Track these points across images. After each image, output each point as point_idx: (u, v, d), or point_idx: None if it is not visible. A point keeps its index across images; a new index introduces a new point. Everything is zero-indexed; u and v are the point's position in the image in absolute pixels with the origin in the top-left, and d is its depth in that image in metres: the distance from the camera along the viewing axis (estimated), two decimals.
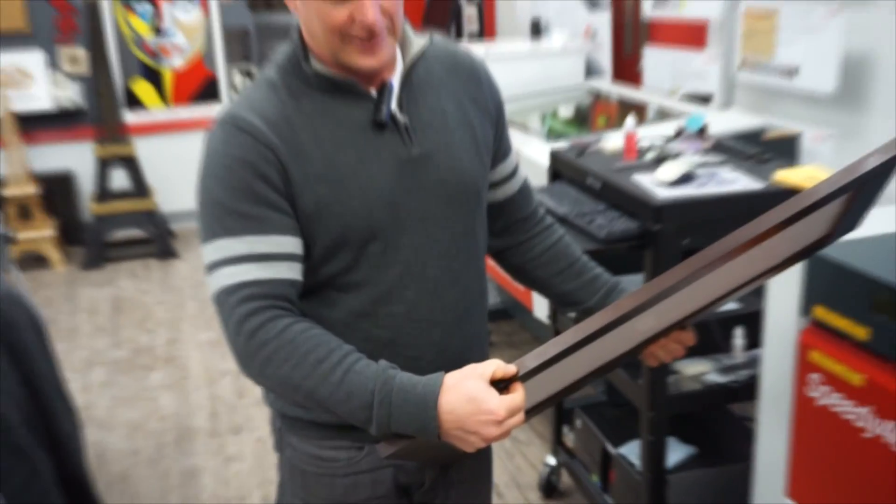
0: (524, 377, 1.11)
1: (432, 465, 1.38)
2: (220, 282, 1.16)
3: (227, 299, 1.16)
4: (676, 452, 2.38)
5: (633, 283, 2.30)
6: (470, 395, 1.09)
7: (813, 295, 1.64)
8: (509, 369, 1.12)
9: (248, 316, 1.14)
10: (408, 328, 1.25)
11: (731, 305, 2.37)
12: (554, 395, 1.22)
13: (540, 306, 3.00)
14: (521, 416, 1.11)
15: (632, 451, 2.41)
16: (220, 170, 1.16)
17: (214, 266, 1.17)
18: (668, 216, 2.04)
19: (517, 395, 1.11)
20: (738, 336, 2.30)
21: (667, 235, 2.04)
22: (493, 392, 1.10)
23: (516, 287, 3.17)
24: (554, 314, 2.64)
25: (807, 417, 1.70)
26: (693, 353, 2.29)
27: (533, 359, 1.11)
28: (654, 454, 2.23)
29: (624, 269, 2.45)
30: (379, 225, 1.20)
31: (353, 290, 1.23)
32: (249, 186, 1.15)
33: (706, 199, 2.08)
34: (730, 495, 2.33)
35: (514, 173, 1.42)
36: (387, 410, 1.11)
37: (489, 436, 1.09)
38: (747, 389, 2.19)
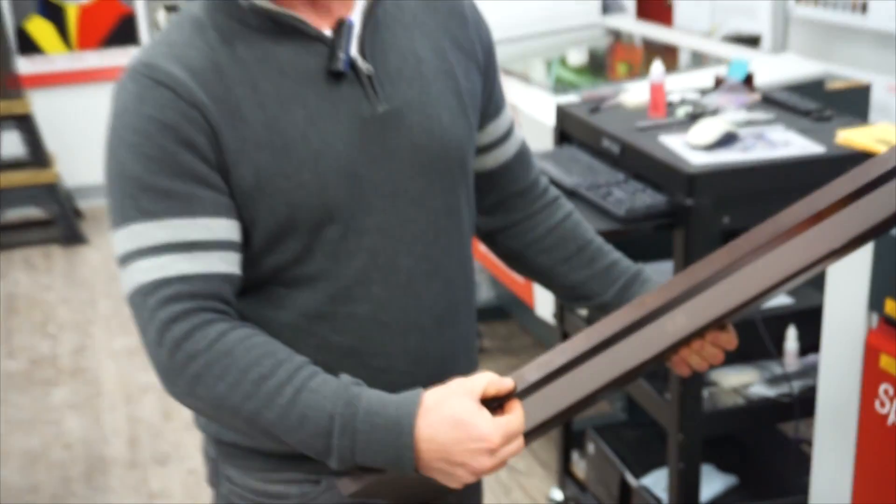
0: (523, 393, 1.12)
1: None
2: (136, 278, 1.15)
3: (145, 301, 1.15)
4: (713, 484, 2.40)
5: (659, 272, 2.29)
6: (455, 417, 1.09)
7: (884, 286, 1.65)
8: (504, 384, 1.12)
9: (171, 321, 1.14)
10: (375, 333, 1.25)
11: (781, 300, 2.38)
12: (560, 413, 1.21)
13: (543, 303, 3.00)
14: (519, 443, 1.11)
15: (657, 483, 2.42)
16: (132, 135, 1.14)
17: (128, 258, 1.16)
18: (703, 188, 2.04)
19: (514, 417, 1.11)
20: (791, 338, 2.32)
21: (702, 212, 2.05)
22: (485, 413, 1.10)
23: (514, 279, 3.18)
24: (561, 312, 2.65)
25: (876, 439, 1.71)
26: (734, 359, 2.32)
27: (534, 370, 1.12)
28: (686, 486, 2.24)
29: (648, 255, 2.47)
30: (336, 203, 1.19)
31: (305, 285, 1.23)
32: (171, 156, 1.14)
33: (751, 166, 2.09)
34: None
35: (508, 135, 1.42)
36: (350, 439, 1.11)
37: (480, 468, 1.10)
38: (802, 405, 2.21)
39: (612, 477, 2.56)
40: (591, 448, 2.69)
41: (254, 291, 1.24)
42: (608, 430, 2.73)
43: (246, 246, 1.20)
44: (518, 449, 1.11)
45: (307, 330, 1.24)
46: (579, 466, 2.81)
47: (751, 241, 1.09)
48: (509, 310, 4.07)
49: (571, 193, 2.22)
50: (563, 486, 2.86)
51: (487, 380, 1.12)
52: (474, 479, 1.11)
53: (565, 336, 2.70)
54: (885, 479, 1.70)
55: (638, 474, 2.49)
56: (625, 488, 2.51)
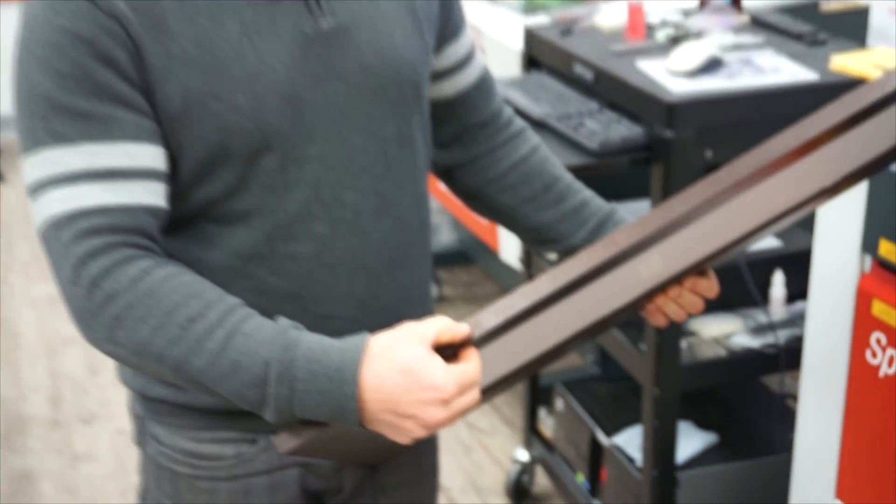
0: (480, 341, 1.11)
1: (354, 465, 1.38)
2: (49, 210, 1.14)
3: (59, 234, 1.13)
4: (691, 442, 2.43)
5: (635, 212, 2.30)
6: (404, 364, 1.09)
7: (879, 225, 1.66)
8: (459, 330, 1.11)
9: (88, 257, 1.12)
10: (317, 276, 1.25)
11: (768, 242, 2.40)
12: (521, 367, 1.22)
13: (509, 246, 3.01)
14: (475, 394, 1.12)
15: (631, 442, 2.45)
16: (42, 49, 1.12)
17: (39, 187, 1.14)
18: (685, 118, 2.04)
19: (470, 365, 1.11)
20: (778, 284, 2.34)
21: (683, 145, 2.05)
22: (437, 360, 1.10)
23: (477, 220, 3.18)
24: (528, 257, 2.65)
25: (866, 393, 1.73)
26: (715, 307, 2.34)
27: (493, 315, 1.11)
28: (661, 445, 2.26)
29: (623, 194, 2.48)
30: (274, 129, 1.18)
31: (239, 222, 1.22)
32: (86, 73, 1.11)
33: (738, 94, 2.08)
34: (759, 496, 2.38)
35: (468, 60, 1.41)
36: (287, 388, 1.11)
37: (432, 420, 1.10)
38: (788, 356, 2.23)
39: (581, 435, 2.58)
40: (559, 404, 2.71)
41: (181, 228, 1.23)
42: (578, 384, 2.76)
43: (173, 177, 1.19)
44: (473, 401, 1.11)
45: (242, 272, 1.23)
46: (547, 424, 2.84)
47: (733, 174, 1.08)
48: (472, 254, 4.09)
49: (540, 125, 2.21)
50: (528, 446, 2.89)
51: (441, 325, 1.11)
52: (426, 433, 1.11)
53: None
54: (876, 436, 1.72)
55: (610, 432, 2.51)
56: (596, 448, 2.53)
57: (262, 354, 1.11)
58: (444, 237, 4.17)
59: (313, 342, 1.12)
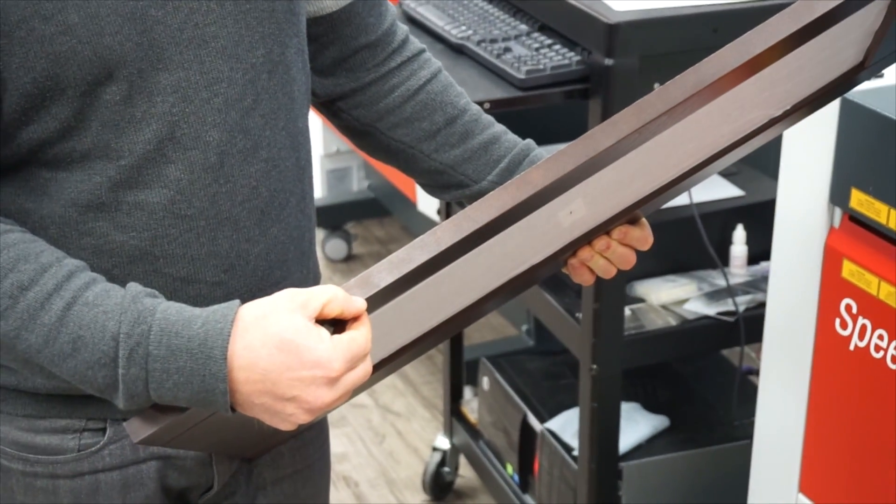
0: (372, 302, 1.09)
1: (225, 457, 1.38)
2: None
3: None
4: (637, 427, 2.45)
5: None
6: (283, 337, 1.08)
7: (849, 174, 1.67)
8: (353, 305, 1.10)
9: None
10: (173, 230, 1.24)
11: (726, 192, 2.41)
12: (422, 335, 1.22)
13: (429, 196, 2.99)
14: (366, 367, 1.10)
15: (567, 427, 2.47)
16: None
17: None
18: (629, 43, 2.04)
19: (359, 334, 1.10)
20: (738, 241, 2.35)
21: (626, 75, 2.05)
22: (322, 332, 1.09)
23: None
24: (448, 207, 2.64)
25: (834, 368, 1.75)
26: (666, 268, 2.35)
27: (385, 272, 1.09)
28: (602, 430, 2.28)
29: (555, 135, 2.47)
30: (117, 54, 1.16)
31: (76, 166, 1.20)
32: None
33: (691, 15, 2.08)
34: (716, 489, 2.41)
35: None
36: (141, 368, 1.09)
37: (317, 403, 1.09)
38: (749, 325, 2.25)
39: (511, 419, 2.60)
40: (485, 383, 2.72)
41: (5, 175, 1.21)
42: (508, 359, 2.77)
43: None
44: (364, 375, 1.10)
45: (80, 226, 1.22)
46: (471, 406, 2.85)
47: (665, 99, 1.07)
48: (386, 205, 4.08)
49: (456, 50, 2.21)
50: (450, 432, 2.90)
51: (329, 295, 1.10)
52: (310, 417, 1.10)
53: None
54: (844, 418, 1.74)
55: (544, 416, 2.53)
56: (527, 433, 2.55)
57: (108, 328, 1.10)
58: (353, 184, 4.15)
59: (171, 312, 1.11)
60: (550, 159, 1.09)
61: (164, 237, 1.24)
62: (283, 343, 1.08)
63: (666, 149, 1.15)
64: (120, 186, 1.21)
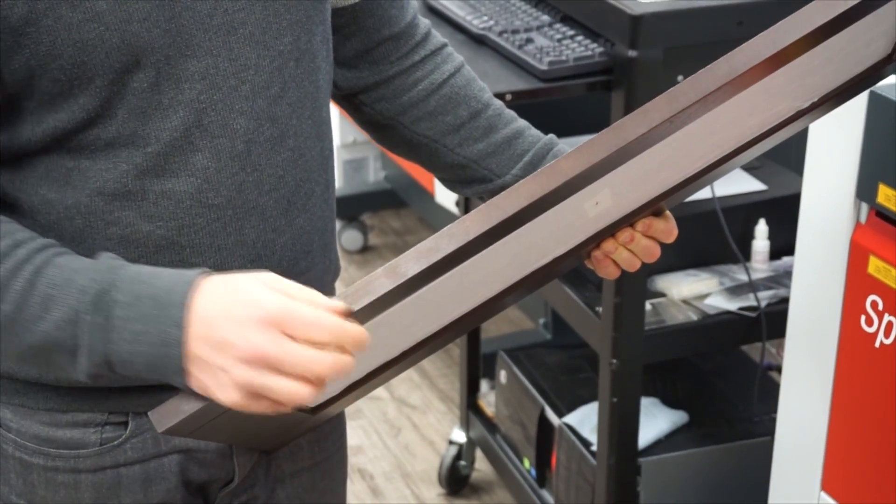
0: (398, 293, 1.08)
1: (245, 449, 1.38)
2: None
3: None
4: (657, 422, 2.45)
5: None
6: (236, 287, 1.07)
7: (877, 169, 1.67)
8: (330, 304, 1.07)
9: None
10: (199, 219, 1.24)
11: (749, 186, 2.40)
12: (445, 328, 1.22)
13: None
14: (339, 358, 1.06)
15: (586, 422, 2.46)
16: None
17: None
18: (652, 35, 2.03)
19: (334, 317, 1.07)
20: (761, 236, 2.35)
21: (650, 67, 2.04)
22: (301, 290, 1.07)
23: None
24: (468, 200, 2.63)
25: (860, 365, 1.74)
26: (687, 262, 2.35)
27: (413, 261, 1.08)
28: (621, 425, 2.27)
29: (577, 127, 2.47)
30: (145, 41, 1.16)
31: (101, 154, 1.20)
32: None
33: (716, 6, 2.07)
34: (735, 486, 2.41)
35: None
36: (104, 315, 1.08)
37: (245, 347, 1.03)
38: (771, 321, 2.24)
39: (529, 413, 2.59)
40: (503, 376, 2.72)
41: (26, 164, 1.21)
42: (526, 353, 2.77)
43: (15, 103, 1.17)
44: (335, 363, 1.05)
45: (106, 216, 1.22)
46: (488, 400, 2.84)
47: (697, 88, 1.07)
48: (403, 196, 4.07)
49: (478, 40, 2.20)
50: (466, 425, 2.90)
51: (309, 293, 1.07)
52: (239, 382, 1.05)
53: None
54: (868, 415, 1.74)
55: (562, 411, 2.52)
56: (544, 427, 2.54)
57: (78, 282, 1.10)
58: (369, 175, 4.14)
59: (143, 267, 1.12)
60: (580, 148, 1.09)
61: (191, 227, 1.24)
62: (235, 294, 1.07)
63: (694, 139, 1.14)
64: (146, 174, 1.21)
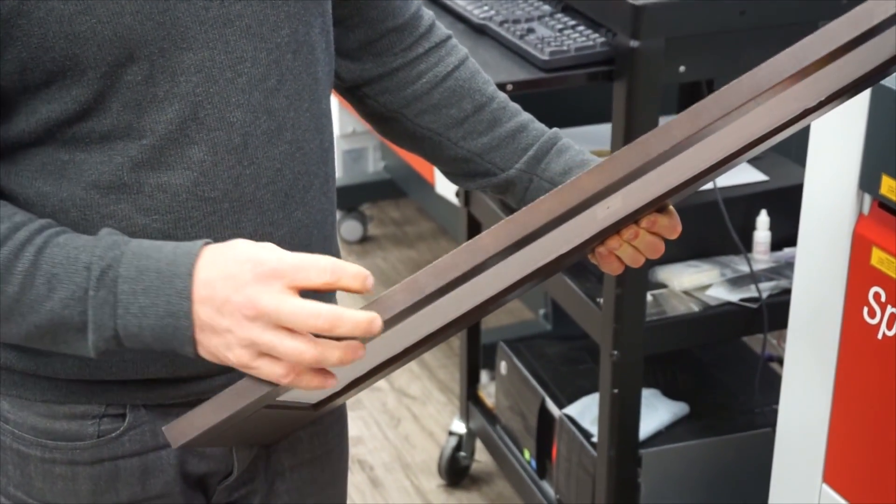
0: (415, 308, 1.08)
1: (246, 445, 1.38)
2: None
3: None
4: (657, 413, 2.45)
5: (593, 137, 2.28)
6: (237, 251, 1.08)
7: (880, 160, 1.66)
8: (355, 280, 1.06)
9: None
10: (196, 213, 1.24)
11: (750, 177, 2.40)
12: (447, 325, 1.22)
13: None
14: (346, 346, 1.06)
15: (586, 413, 2.46)
16: None
17: None
18: (655, 25, 2.02)
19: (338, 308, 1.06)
20: (762, 227, 2.34)
21: (652, 57, 2.04)
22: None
23: None
24: (467, 191, 2.63)
25: (862, 357, 1.73)
26: (688, 254, 2.34)
27: (432, 276, 1.07)
28: (622, 416, 2.27)
29: (578, 117, 2.46)
30: (138, 34, 1.16)
31: (96, 147, 1.20)
32: None
33: None
34: (736, 477, 2.40)
35: None
36: (110, 291, 1.10)
37: (248, 305, 1.04)
38: (773, 312, 2.24)
39: (529, 404, 2.59)
40: (503, 367, 2.71)
41: (21, 156, 1.21)
42: (526, 343, 2.76)
43: (8, 94, 1.17)
44: (344, 352, 1.06)
45: (102, 209, 1.22)
46: (488, 391, 2.84)
47: (722, 105, 1.07)
48: (403, 186, 4.07)
49: (478, 30, 2.19)
50: (466, 416, 2.89)
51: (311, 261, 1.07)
52: (245, 341, 1.06)
53: (472, 219, 2.70)
54: (871, 407, 1.73)
55: (562, 401, 2.52)
56: (545, 419, 2.54)
57: (81, 259, 1.12)
58: (369, 165, 4.14)
59: (144, 242, 1.13)
60: (602, 164, 1.09)
61: (188, 220, 1.23)
62: (233, 253, 1.09)
63: (707, 146, 1.14)
64: (142, 167, 1.21)
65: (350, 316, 1.04)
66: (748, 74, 1.07)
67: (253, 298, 1.05)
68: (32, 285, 1.11)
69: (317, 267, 1.05)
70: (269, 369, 1.07)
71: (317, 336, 1.06)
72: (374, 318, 1.04)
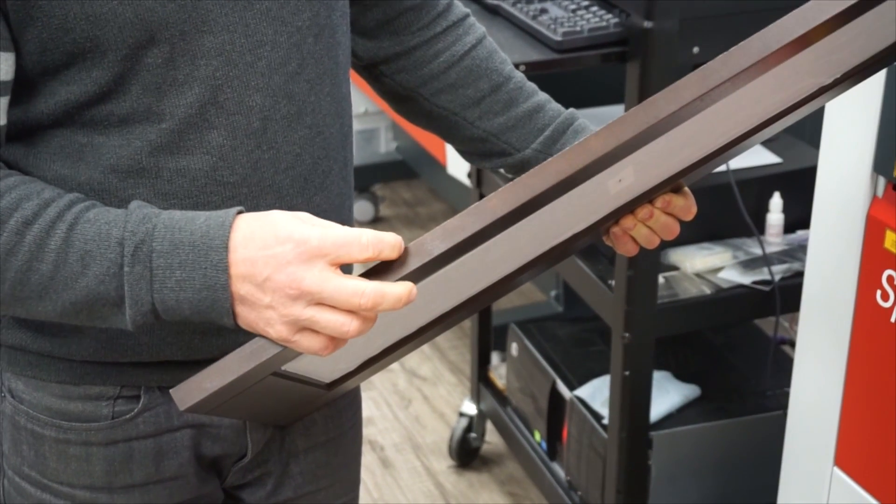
0: (424, 271, 1.08)
1: (260, 424, 1.38)
2: None
3: None
4: (669, 396, 2.45)
5: (605, 119, 2.30)
6: (276, 225, 1.08)
7: (894, 140, 1.66)
8: (390, 250, 1.07)
9: None
10: (215, 197, 1.24)
11: (764, 159, 2.39)
12: (461, 304, 1.22)
13: (459, 158, 2.98)
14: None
15: (597, 395, 2.47)
16: None
17: None
18: (668, 6, 2.02)
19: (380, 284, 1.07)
20: (775, 209, 2.34)
21: (666, 38, 2.03)
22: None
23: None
24: (479, 171, 2.63)
25: (875, 340, 1.73)
26: (700, 235, 2.34)
27: (439, 239, 1.08)
28: (633, 398, 2.28)
29: (592, 98, 2.46)
30: (159, 16, 1.16)
31: (114, 130, 1.20)
32: None
33: None
34: (746, 459, 2.41)
35: None
36: (145, 265, 1.10)
37: (290, 284, 1.05)
38: (785, 295, 2.24)
39: (540, 386, 2.59)
40: (514, 349, 2.71)
41: (39, 139, 1.21)
42: (537, 325, 2.76)
43: (28, 75, 1.17)
44: (364, 322, 1.07)
45: (120, 193, 1.22)
46: (499, 372, 2.84)
47: (730, 65, 1.06)
48: (415, 167, 4.07)
49: (492, 11, 2.19)
50: (477, 398, 2.90)
51: (365, 239, 1.06)
52: (286, 317, 1.06)
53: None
54: (883, 391, 1.73)
55: (573, 383, 2.52)
56: (556, 400, 2.54)
57: (113, 235, 1.11)
58: (381, 146, 4.14)
59: (175, 213, 1.13)
60: (610, 126, 1.08)
61: (206, 204, 1.23)
62: (273, 229, 1.08)
63: (719, 117, 1.13)
64: (161, 151, 1.21)
65: (391, 291, 1.04)
66: (756, 35, 1.06)
67: (296, 278, 1.05)
68: (66, 263, 1.11)
69: (359, 243, 1.05)
70: (309, 342, 1.08)
71: None
72: (411, 289, 1.05)
